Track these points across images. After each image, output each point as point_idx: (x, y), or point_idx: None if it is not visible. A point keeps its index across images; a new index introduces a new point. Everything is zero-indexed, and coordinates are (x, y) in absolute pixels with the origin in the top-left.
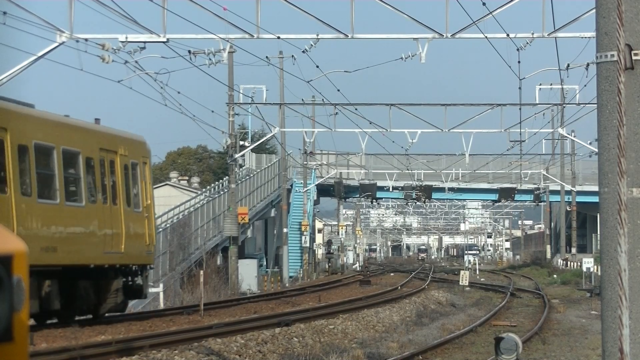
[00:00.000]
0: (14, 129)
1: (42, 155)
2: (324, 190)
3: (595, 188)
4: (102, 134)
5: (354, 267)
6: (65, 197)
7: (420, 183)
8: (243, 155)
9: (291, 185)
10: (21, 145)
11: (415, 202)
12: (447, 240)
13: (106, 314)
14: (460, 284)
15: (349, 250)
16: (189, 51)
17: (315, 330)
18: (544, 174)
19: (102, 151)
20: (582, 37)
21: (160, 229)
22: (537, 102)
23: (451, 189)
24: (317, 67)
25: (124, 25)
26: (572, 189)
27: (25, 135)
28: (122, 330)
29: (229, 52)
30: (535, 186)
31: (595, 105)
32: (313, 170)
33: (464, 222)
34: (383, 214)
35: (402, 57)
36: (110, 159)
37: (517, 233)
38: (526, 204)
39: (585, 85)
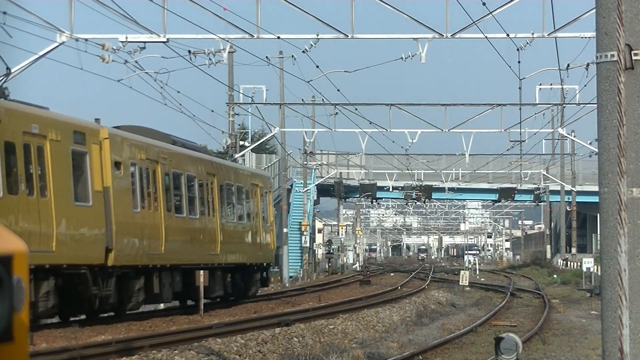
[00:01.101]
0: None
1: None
2: (324, 190)
3: (595, 188)
4: (252, 173)
5: (354, 267)
6: (239, 219)
7: (420, 183)
8: (243, 155)
9: (291, 185)
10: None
11: (415, 202)
12: (447, 240)
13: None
14: (460, 284)
15: (349, 250)
16: (189, 51)
17: (315, 330)
18: (544, 174)
19: (252, 185)
20: (582, 37)
21: None
22: (537, 102)
23: (451, 189)
24: (317, 67)
25: (124, 25)
26: (572, 189)
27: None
28: (122, 330)
29: (229, 52)
30: (535, 186)
31: (595, 105)
32: (313, 170)
33: (464, 222)
34: (383, 214)
35: (402, 57)
36: (255, 190)
37: (517, 233)
38: (526, 204)
39: (585, 85)
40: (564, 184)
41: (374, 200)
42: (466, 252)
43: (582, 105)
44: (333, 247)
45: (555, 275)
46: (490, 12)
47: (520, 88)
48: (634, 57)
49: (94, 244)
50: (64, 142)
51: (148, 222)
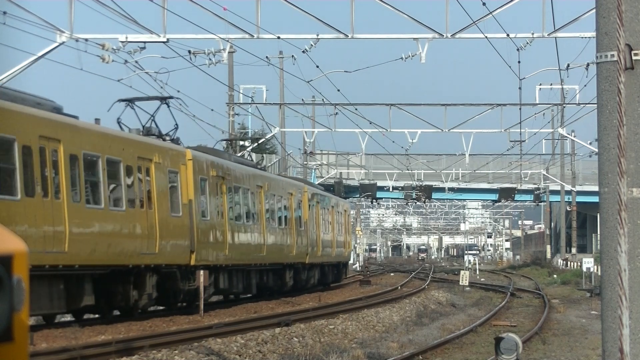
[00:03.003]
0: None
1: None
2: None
3: (595, 188)
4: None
5: (354, 267)
6: (331, 230)
7: (420, 183)
8: (243, 156)
9: None
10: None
11: (415, 202)
12: (447, 240)
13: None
14: (460, 284)
15: None
16: (189, 51)
17: (316, 330)
18: (544, 174)
19: (338, 203)
20: (582, 37)
21: None
22: (537, 102)
23: (451, 189)
24: (317, 67)
25: (124, 25)
26: (572, 189)
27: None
28: (122, 330)
29: (229, 52)
30: (535, 186)
31: (595, 105)
32: (313, 170)
33: (464, 222)
34: (383, 214)
35: (402, 57)
36: (345, 208)
37: (517, 233)
38: (526, 204)
39: (585, 85)
40: (564, 184)
41: (374, 200)
42: (466, 252)
43: (582, 105)
44: None
45: (555, 275)
46: (490, 12)
47: (520, 88)
48: (634, 57)
49: (183, 248)
50: (164, 165)
51: (218, 228)
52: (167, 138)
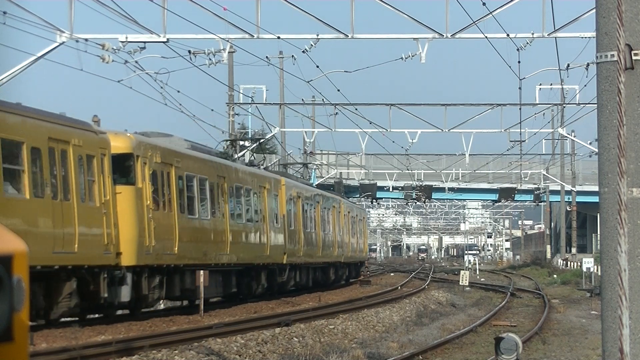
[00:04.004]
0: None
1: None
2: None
3: (595, 188)
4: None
5: None
6: (353, 234)
7: (420, 183)
8: (243, 155)
9: None
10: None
11: (415, 202)
12: (447, 240)
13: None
14: (460, 284)
15: None
16: (189, 51)
17: (316, 330)
18: (544, 174)
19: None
20: (582, 37)
21: None
22: (537, 102)
23: (451, 189)
24: (317, 67)
25: (124, 25)
26: (572, 189)
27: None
28: (122, 330)
29: (229, 52)
30: (535, 186)
31: (595, 105)
32: (313, 170)
33: (464, 222)
34: (383, 214)
35: (402, 57)
36: (361, 217)
37: (517, 233)
38: (526, 204)
39: (585, 85)
40: (564, 184)
41: (374, 200)
42: (466, 252)
43: (582, 105)
44: None
45: (555, 275)
46: (490, 12)
47: (520, 88)
48: (634, 57)
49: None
50: (272, 190)
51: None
52: (262, 167)
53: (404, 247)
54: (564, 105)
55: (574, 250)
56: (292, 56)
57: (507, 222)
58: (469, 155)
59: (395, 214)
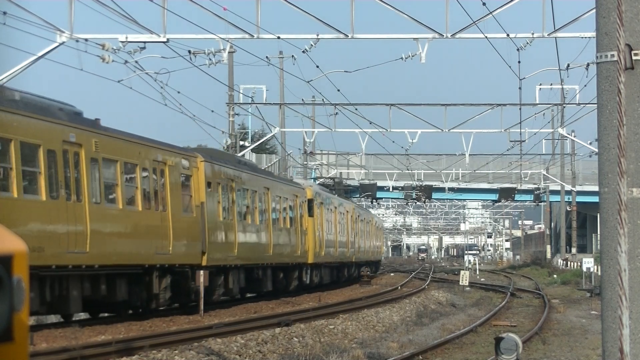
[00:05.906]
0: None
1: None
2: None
3: (595, 188)
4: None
5: None
6: (367, 236)
7: (420, 183)
8: (243, 156)
9: None
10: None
11: (415, 202)
12: (447, 240)
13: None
14: (460, 284)
15: None
16: (189, 51)
17: (316, 330)
18: (544, 174)
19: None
20: (582, 37)
21: None
22: (537, 102)
23: (451, 189)
24: (317, 67)
25: (124, 25)
26: (572, 189)
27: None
28: (122, 330)
29: (229, 52)
30: (535, 186)
31: (595, 105)
32: (313, 170)
33: (464, 222)
34: (383, 214)
35: (402, 57)
36: (378, 225)
37: (517, 233)
38: (526, 204)
39: (585, 85)
40: (564, 184)
41: (374, 200)
42: (466, 252)
43: (582, 105)
44: None
45: (555, 275)
46: (490, 12)
47: (520, 88)
48: (634, 57)
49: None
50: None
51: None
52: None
53: (404, 247)
54: (564, 105)
55: (574, 250)
56: (292, 56)
57: (507, 222)
58: (469, 155)
59: (395, 214)
